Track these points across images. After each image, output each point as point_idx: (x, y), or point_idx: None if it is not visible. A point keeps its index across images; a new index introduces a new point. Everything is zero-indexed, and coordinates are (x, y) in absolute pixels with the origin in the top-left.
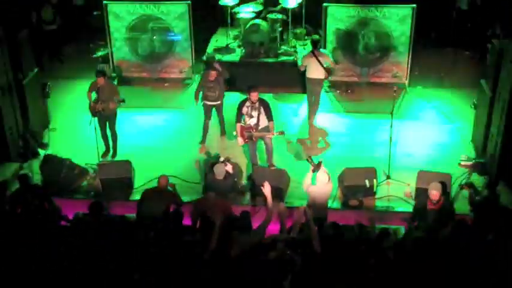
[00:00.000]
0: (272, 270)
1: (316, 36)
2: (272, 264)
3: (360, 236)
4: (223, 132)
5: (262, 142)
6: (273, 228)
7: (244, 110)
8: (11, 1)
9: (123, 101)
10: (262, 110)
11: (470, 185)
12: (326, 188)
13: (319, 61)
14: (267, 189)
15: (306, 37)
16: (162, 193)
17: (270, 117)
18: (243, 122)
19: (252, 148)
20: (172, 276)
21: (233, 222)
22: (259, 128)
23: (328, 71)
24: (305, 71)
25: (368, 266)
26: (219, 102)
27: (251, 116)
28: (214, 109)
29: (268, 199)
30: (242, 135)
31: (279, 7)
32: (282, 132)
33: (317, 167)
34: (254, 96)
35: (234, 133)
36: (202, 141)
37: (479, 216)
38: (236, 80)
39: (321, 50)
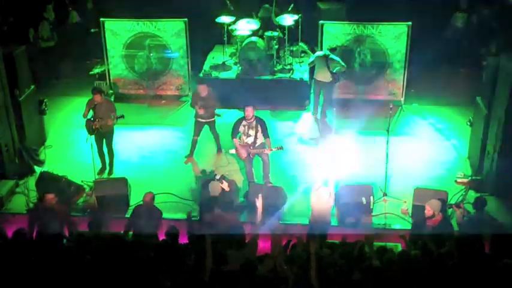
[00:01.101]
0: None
1: (333, 45)
2: (263, 280)
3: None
4: (219, 149)
5: (260, 159)
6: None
7: (241, 129)
8: (7, 18)
9: (123, 116)
10: (259, 128)
11: (458, 205)
12: (328, 203)
13: (328, 66)
14: (259, 202)
15: (302, 54)
16: (150, 210)
17: (266, 134)
18: (239, 140)
19: (248, 165)
20: None
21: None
22: (256, 145)
23: (335, 77)
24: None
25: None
26: (212, 119)
27: (248, 135)
28: (207, 126)
29: (258, 213)
30: (239, 152)
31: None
32: (280, 148)
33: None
34: (249, 111)
35: (231, 151)
36: (190, 155)
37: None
38: (232, 97)
39: (333, 56)
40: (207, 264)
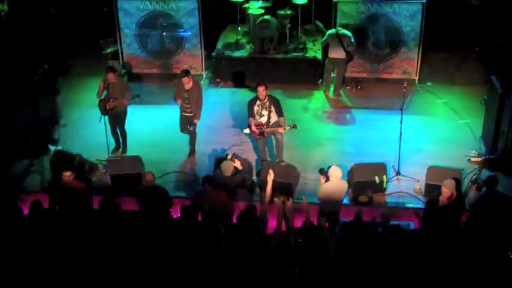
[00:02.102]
0: (275, 259)
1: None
2: (275, 254)
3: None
4: (192, 151)
5: (273, 138)
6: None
7: (255, 109)
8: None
9: (139, 96)
10: (272, 107)
11: (475, 182)
12: (341, 184)
13: (341, 42)
14: (270, 178)
15: (316, 33)
16: (153, 190)
17: (280, 113)
18: (254, 120)
19: (262, 144)
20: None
21: (238, 217)
22: (270, 124)
23: (349, 55)
24: (327, 49)
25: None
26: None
27: (261, 115)
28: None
29: (268, 189)
30: (253, 132)
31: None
32: (294, 126)
33: (328, 179)
34: (261, 91)
35: (245, 131)
36: (191, 153)
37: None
38: (245, 76)
39: (344, 31)
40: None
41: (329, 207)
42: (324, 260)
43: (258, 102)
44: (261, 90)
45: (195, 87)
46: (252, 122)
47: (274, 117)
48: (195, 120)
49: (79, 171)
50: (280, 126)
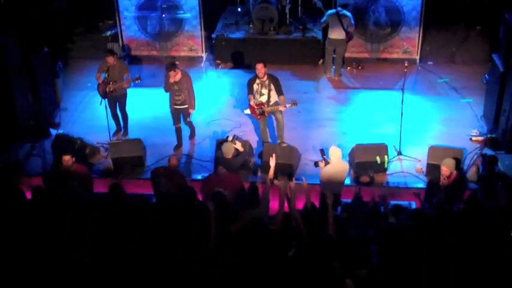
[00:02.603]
0: (275, 241)
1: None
2: (274, 236)
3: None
4: (192, 135)
5: (274, 119)
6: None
7: (255, 87)
8: None
9: (139, 78)
10: (272, 86)
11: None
12: (342, 165)
13: (341, 22)
14: (272, 162)
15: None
16: (173, 173)
17: (280, 92)
18: (254, 99)
19: (263, 124)
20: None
21: (242, 197)
22: (270, 104)
23: (349, 35)
24: (327, 29)
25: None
26: (186, 106)
27: (261, 94)
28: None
29: (270, 171)
30: (254, 112)
31: None
32: (294, 103)
33: (328, 163)
34: (259, 68)
35: (245, 111)
36: (178, 146)
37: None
38: (245, 57)
39: (344, 12)
40: (212, 232)
41: (331, 189)
42: (324, 241)
43: (258, 80)
44: (260, 67)
45: (184, 78)
46: (252, 99)
47: (274, 97)
48: (191, 110)
49: (80, 155)
50: (279, 105)
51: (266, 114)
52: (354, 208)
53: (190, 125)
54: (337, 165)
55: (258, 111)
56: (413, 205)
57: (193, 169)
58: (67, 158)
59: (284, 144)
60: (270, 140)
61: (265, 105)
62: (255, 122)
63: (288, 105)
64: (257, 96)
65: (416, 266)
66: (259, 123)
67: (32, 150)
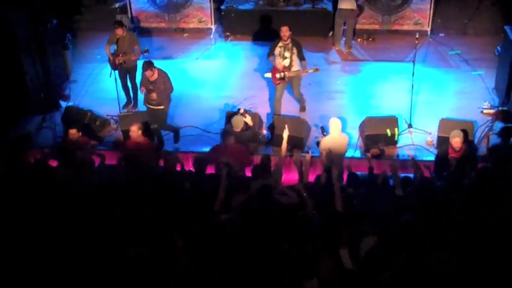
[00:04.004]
0: (278, 209)
1: None
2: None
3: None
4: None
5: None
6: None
7: (277, 50)
8: None
9: (147, 51)
10: (294, 50)
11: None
12: (342, 136)
13: None
14: (285, 133)
15: None
16: (141, 145)
17: (302, 57)
18: (275, 62)
19: (279, 92)
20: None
21: (253, 169)
22: (292, 69)
23: (360, 7)
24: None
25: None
26: (161, 107)
27: (284, 57)
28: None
29: (283, 144)
30: (274, 75)
31: None
32: (317, 69)
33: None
34: (284, 30)
35: (266, 74)
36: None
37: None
38: (255, 29)
39: None
40: (219, 196)
41: (332, 160)
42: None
43: (281, 43)
44: (284, 30)
45: (160, 78)
46: (273, 60)
47: (296, 62)
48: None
49: (89, 128)
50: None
51: (287, 79)
52: (361, 181)
53: (172, 129)
54: (338, 137)
55: (278, 76)
56: None
57: (202, 141)
58: (73, 132)
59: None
60: (281, 112)
61: (288, 70)
62: (266, 94)
63: (310, 70)
64: (279, 59)
65: (421, 240)
66: (275, 90)
67: (43, 122)
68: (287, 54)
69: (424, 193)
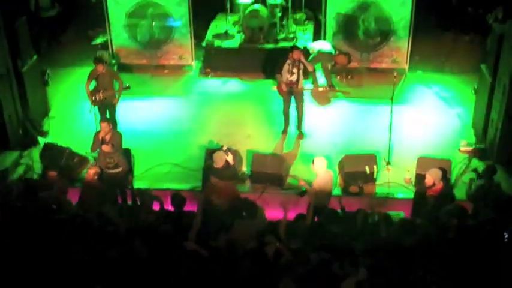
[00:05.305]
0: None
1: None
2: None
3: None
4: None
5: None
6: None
7: (286, 67)
8: None
9: (128, 87)
10: (301, 65)
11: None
12: (329, 174)
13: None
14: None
15: (306, 22)
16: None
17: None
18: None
19: (286, 106)
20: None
21: (240, 207)
22: (299, 84)
23: (348, 56)
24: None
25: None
26: (120, 169)
27: (292, 73)
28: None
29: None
30: (279, 88)
31: None
32: (331, 88)
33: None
34: (297, 54)
35: (273, 88)
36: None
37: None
38: (235, 66)
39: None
40: (195, 225)
41: (321, 200)
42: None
43: (289, 61)
44: (296, 53)
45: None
46: (279, 77)
47: (301, 77)
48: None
49: (67, 166)
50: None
51: (294, 93)
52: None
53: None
54: (325, 175)
55: (286, 88)
56: (402, 216)
57: (182, 178)
58: (52, 174)
59: (301, 135)
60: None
61: (295, 86)
62: (245, 131)
63: (320, 89)
64: (287, 75)
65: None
66: (283, 103)
67: (20, 158)
68: (295, 70)
69: (406, 232)
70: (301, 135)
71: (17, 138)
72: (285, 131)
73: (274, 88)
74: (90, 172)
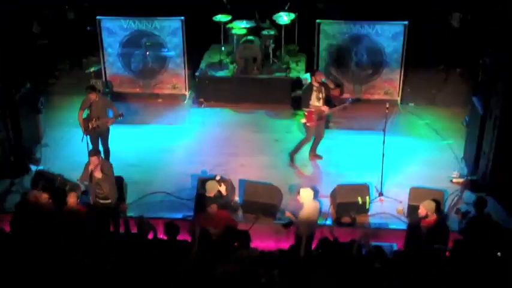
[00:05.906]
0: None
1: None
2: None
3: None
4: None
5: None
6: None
7: (314, 95)
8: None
9: (122, 115)
10: (323, 89)
11: (457, 212)
12: (315, 205)
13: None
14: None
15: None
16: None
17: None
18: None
19: (310, 134)
20: None
21: (235, 236)
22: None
23: (340, 88)
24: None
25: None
26: (109, 201)
27: (319, 98)
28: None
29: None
30: (311, 119)
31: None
32: (349, 103)
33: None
34: (319, 75)
35: (302, 120)
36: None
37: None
38: (229, 96)
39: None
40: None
41: (308, 229)
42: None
43: (314, 87)
44: (319, 74)
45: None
46: (309, 110)
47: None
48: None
49: (59, 192)
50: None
51: (323, 118)
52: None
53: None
54: (311, 205)
55: (315, 117)
56: (395, 247)
57: (173, 207)
58: (44, 196)
59: (317, 157)
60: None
61: (324, 112)
62: (237, 160)
63: (340, 106)
64: (316, 102)
65: None
66: (309, 132)
67: (11, 186)
68: (321, 95)
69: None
70: (318, 156)
71: (8, 165)
72: (293, 160)
73: (303, 121)
74: (69, 200)
